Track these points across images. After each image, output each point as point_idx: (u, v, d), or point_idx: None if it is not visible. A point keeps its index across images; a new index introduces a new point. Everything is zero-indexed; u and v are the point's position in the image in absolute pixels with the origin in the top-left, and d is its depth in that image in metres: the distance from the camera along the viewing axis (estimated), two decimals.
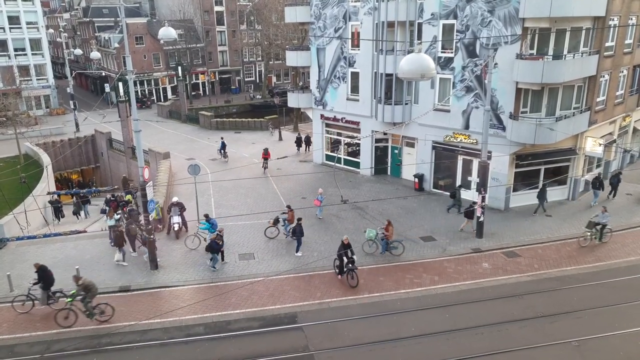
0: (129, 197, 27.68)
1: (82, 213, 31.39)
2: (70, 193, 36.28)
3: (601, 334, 15.41)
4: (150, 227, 19.63)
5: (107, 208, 25.16)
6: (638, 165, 32.67)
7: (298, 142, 39.33)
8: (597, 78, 24.69)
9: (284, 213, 22.91)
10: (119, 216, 22.79)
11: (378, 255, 21.08)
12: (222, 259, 20.44)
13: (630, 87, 29.03)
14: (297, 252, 21.25)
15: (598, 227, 21.52)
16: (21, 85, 54.91)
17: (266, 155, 33.29)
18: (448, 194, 27.79)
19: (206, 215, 22.14)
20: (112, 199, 27.31)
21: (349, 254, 18.59)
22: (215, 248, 19.54)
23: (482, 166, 22.24)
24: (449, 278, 19.22)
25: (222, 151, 36.96)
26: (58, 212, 30.13)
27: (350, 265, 18.50)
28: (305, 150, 38.81)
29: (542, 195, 24.89)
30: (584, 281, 18.72)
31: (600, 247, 21.50)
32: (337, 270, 19.20)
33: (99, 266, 20.27)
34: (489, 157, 23.29)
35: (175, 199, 23.92)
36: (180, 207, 23.59)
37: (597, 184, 26.08)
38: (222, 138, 38.34)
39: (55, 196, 30.28)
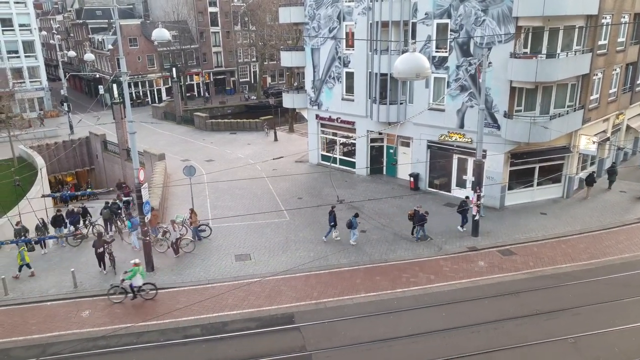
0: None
1: (47, 242, 22.95)
2: (64, 196, 36.08)
3: (596, 331, 15.50)
4: (145, 229, 19.59)
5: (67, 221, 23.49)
6: (631, 163, 32.86)
7: None
8: (590, 76, 24.81)
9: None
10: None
11: (195, 239, 22.45)
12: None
13: (623, 85, 29.17)
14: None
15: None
16: (14, 87, 54.55)
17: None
18: (445, 192, 27.94)
19: (129, 214, 24.22)
20: (81, 207, 25.10)
21: None
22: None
23: (477, 165, 22.30)
24: (445, 277, 19.27)
25: None
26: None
27: None
28: None
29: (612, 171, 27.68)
30: (579, 278, 18.82)
31: (595, 244, 21.61)
32: None
33: (95, 268, 20.15)
34: (484, 156, 23.37)
35: None
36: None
37: None
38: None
39: (22, 223, 22.21)
